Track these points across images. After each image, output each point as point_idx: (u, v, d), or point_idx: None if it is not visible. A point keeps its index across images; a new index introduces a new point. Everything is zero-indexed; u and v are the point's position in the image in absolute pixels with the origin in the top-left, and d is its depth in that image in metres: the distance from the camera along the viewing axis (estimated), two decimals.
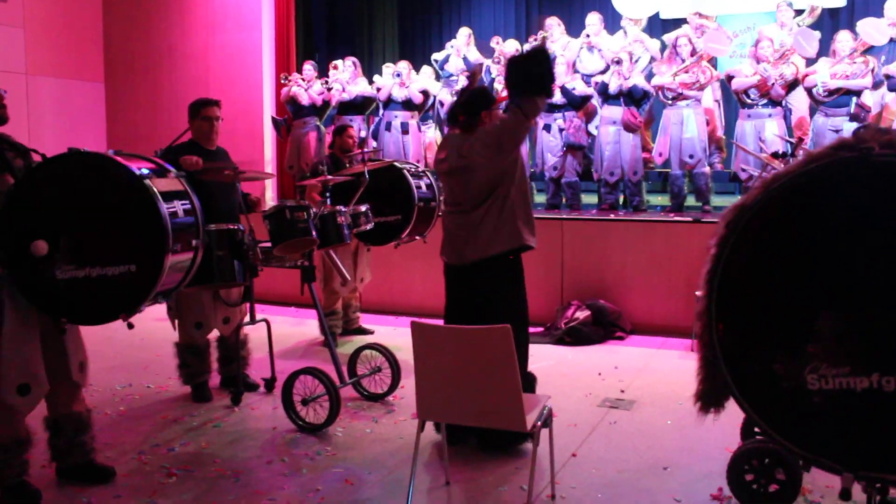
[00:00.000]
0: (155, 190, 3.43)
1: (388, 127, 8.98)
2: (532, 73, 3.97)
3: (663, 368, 5.84)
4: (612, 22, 9.89)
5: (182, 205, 3.65)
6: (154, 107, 9.85)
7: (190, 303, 4.91)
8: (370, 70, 10.62)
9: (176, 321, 5.01)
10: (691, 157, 7.75)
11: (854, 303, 2.79)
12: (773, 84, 7.42)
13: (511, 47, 8.79)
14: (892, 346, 2.75)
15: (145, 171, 3.51)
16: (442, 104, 8.82)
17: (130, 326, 3.52)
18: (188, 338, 5.01)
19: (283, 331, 6.78)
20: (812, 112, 7.74)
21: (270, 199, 9.16)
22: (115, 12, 10.11)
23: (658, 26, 10.92)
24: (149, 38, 9.91)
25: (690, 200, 8.21)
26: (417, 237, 5.96)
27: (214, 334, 5.14)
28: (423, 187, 5.83)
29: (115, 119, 10.20)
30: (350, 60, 9.22)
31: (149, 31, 9.92)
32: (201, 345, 5.06)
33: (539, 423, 3.30)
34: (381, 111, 9.20)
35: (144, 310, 3.51)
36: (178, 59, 9.78)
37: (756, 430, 3.87)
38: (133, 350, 6.14)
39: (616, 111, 7.97)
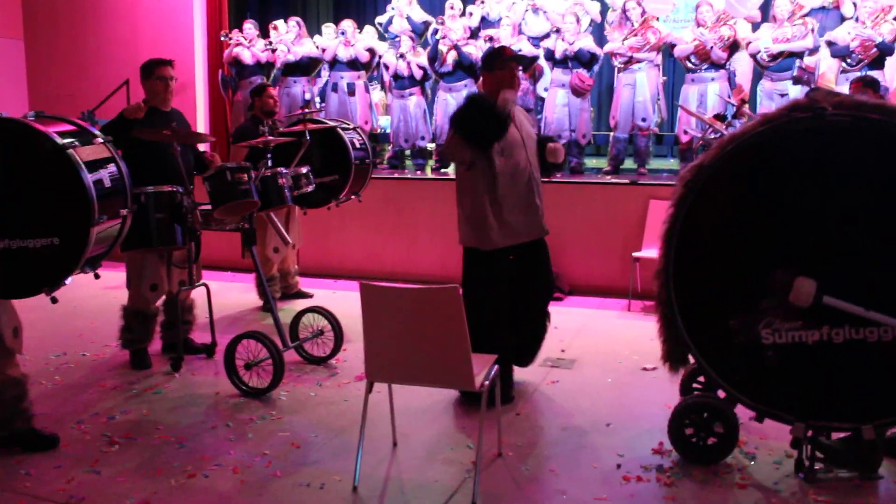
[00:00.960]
0: (78, 159, 3.30)
1: (335, 88, 8.82)
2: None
3: (602, 328, 5.95)
4: None
5: (108, 173, 3.53)
6: (78, 65, 9.46)
7: (144, 265, 4.79)
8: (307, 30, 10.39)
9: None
10: (644, 119, 7.85)
11: (806, 259, 2.89)
12: (711, 48, 7.55)
13: (456, 6, 8.67)
14: (843, 298, 2.85)
15: (68, 139, 3.36)
16: (387, 66, 8.70)
17: (54, 301, 3.42)
18: (139, 301, 4.89)
19: (221, 296, 6.66)
20: (758, 77, 7.91)
21: None
22: None
23: None
24: None
25: (627, 163, 8.32)
26: (353, 196, 5.91)
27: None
28: (357, 145, 5.77)
29: (37, 77, 9.75)
30: (294, 20, 9.01)
31: None
32: (151, 310, 4.95)
33: (487, 382, 3.33)
34: (326, 72, 9.03)
35: (70, 282, 3.40)
36: (103, 16, 9.38)
37: (695, 385, 4.01)
38: (66, 318, 5.96)
39: (565, 75, 7.98)
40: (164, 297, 5.03)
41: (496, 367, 3.49)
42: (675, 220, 3.08)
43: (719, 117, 6.30)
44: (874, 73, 6.85)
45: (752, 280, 2.95)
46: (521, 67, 4.39)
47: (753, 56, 7.60)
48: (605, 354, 5.25)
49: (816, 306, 2.80)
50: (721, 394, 3.89)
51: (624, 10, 8.07)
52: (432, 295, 3.19)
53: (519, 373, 4.78)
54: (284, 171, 4.89)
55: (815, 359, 2.91)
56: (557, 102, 8.05)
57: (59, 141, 3.29)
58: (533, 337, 4.57)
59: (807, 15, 7.53)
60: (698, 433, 3.57)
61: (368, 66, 8.90)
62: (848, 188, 2.86)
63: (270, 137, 4.81)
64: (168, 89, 4.85)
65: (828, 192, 2.87)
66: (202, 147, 5.42)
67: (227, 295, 6.86)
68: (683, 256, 3.08)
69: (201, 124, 9.12)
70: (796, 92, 7.16)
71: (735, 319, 2.99)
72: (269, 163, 4.82)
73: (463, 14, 8.87)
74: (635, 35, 7.86)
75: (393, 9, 9.12)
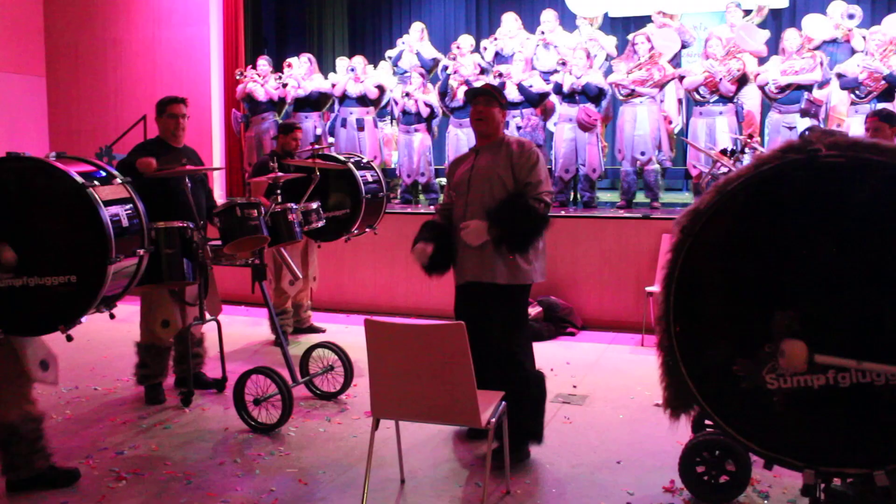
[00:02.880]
0: (97, 197, 3.33)
1: (344, 123, 8.91)
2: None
3: (614, 364, 5.90)
4: (568, 20, 9.96)
5: (126, 211, 3.57)
6: (98, 102, 9.63)
7: (156, 301, 4.82)
8: (321, 66, 10.53)
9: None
10: (642, 153, 7.84)
11: (807, 301, 2.85)
12: (720, 80, 7.56)
13: (466, 43, 8.77)
14: (845, 342, 2.81)
15: (88, 178, 3.40)
16: (396, 102, 8.78)
17: (69, 339, 3.43)
18: (152, 337, 4.91)
19: (233, 330, 6.69)
20: (767, 110, 7.91)
21: (219, 196, 9.03)
22: (57, 4, 9.84)
23: (617, 24, 11.06)
24: (92, 32, 9.67)
25: (640, 196, 8.31)
26: (368, 229, 5.93)
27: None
28: (370, 179, 5.80)
29: (58, 114, 9.93)
30: (306, 56, 9.13)
31: (92, 24, 9.68)
32: (164, 345, 4.97)
33: (493, 419, 3.31)
34: (336, 107, 9.13)
35: (85, 320, 3.42)
36: (122, 53, 9.57)
37: (706, 422, 3.95)
38: (79, 352, 5.98)
39: (572, 109, 8.01)
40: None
41: (503, 403, 3.46)
42: (673, 265, 3.06)
43: (725, 152, 6.29)
44: (884, 105, 6.83)
45: (753, 324, 2.91)
46: (481, 99, 4.07)
47: (762, 88, 7.60)
48: (617, 390, 5.20)
49: (820, 350, 2.76)
50: None
51: (633, 44, 8.11)
52: (438, 331, 3.18)
53: None
54: (294, 206, 4.92)
55: (823, 403, 2.86)
56: (564, 137, 8.06)
57: (79, 180, 3.33)
58: None
59: (817, 48, 7.55)
60: (710, 471, 3.52)
61: (378, 102, 8.98)
62: (844, 229, 2.83)
63: (280, 173, 4.84)
64: (179, 126, 4.92)
65: (824, 232, 2.84)
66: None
67: (239, 329, 6.88)
68: (683, 302, 3.05)
69: (217, 160, 9.22)
70: (804, 124, 7.14)
71: (738, 364, 2.95)
72: (280, 198, 4.85)
73: (476, 50, 8.96)
74: (640, 69, 7.88)
75: (403, 43, 9.22)
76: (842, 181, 2.82)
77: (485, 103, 4.03)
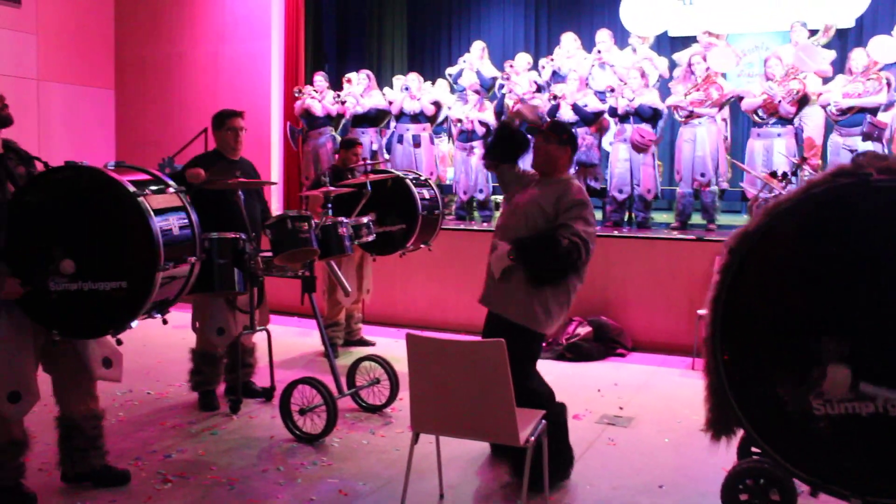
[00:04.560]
0: (147, 206, 3.42)
1: (400, 140, 9.01)
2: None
3: (663, 386, 5.82)
4: (621, 38, 9.93)
5: (178, 220, 3.66)
6: (163, 114, 9.93)
7: (212, 309, 4.93)
8: (380, 82, 10.68)
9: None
10: (703, 175, 7.75)
11: (856, 327, 2.80)
12: (779, 102, 7.43)
13: (522, 61, 8.80)
14: (892, 368, 2.74)
15: (140, 187, 3.50)
16: (454, 120, 8.85)
17: (119, 343, 3.55)
18: (207, 344, 5.03)
19: (284, 340, 6.80)
20: (829, 132, 7.75)
21: (276, 209, 9.20)
22: (126, 20, 10.20)
23: (667, 44, 10.97)
24: (159, 46, 9.99)
25: (695, 219, 8.21)
26: (423, 245, 5.97)
27: None
28: (427, 196, 5.85)
29: (125, 126, 10.27)
30: (364, 73, 9.26)
31: (158, 39, 9.99)
32: (219, 352, 5.08)
33: (532, 437, 3.30)
34: (393, 124, 9.24)
35: (136, 325, 3.52)
36: (187, 67, 9.85)
37: (752, 449, 3.87)
38: (135, 355, 6.14)
39: (628, 129, 7.96)
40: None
41: (543, 422, 3.45)
42: (721, 287, 3.02)
43: (774, 175, 6.17)
44: None
45: (801, 348, 2.86)
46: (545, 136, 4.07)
47: (824, 108, 7.45)
48: (664, 413, 5.13)
49: (869, 377, 2.70)
50: None
51: (689, 64, 8.04)
52: (478, 348, 3.20)
53: (573, 430, 4.67)
54: (345, 220, 4.99)
55: (871, 431, 2.79)
56: (620, 157, 8.01)
57: (131, 188, 3.44)
58: None
59: (882, 69, 7.36)
60: (753, 500, 3.43)
61: (433, 119, 9.05)
62: (894, 255, 2.76)
63: (331, 188, 4.92)
64: (237, 139, 5.03)
65: (875, 258, 2.78)
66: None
67: (291, 339, 6.99)
68: (730, 324, 3.01)
69: (275, 173, 9.40)
70: (867, 147, 6.96)
71: (785, 389, 2.89)
72: (330, 212, 4.93)
73: (534, 68, 8.97)
74: (697, 90, 7.80)
75: (465, 62, 9.29)
76: (893, 205, 2.76)
77: (544, 140, 4.04)
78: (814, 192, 2.90)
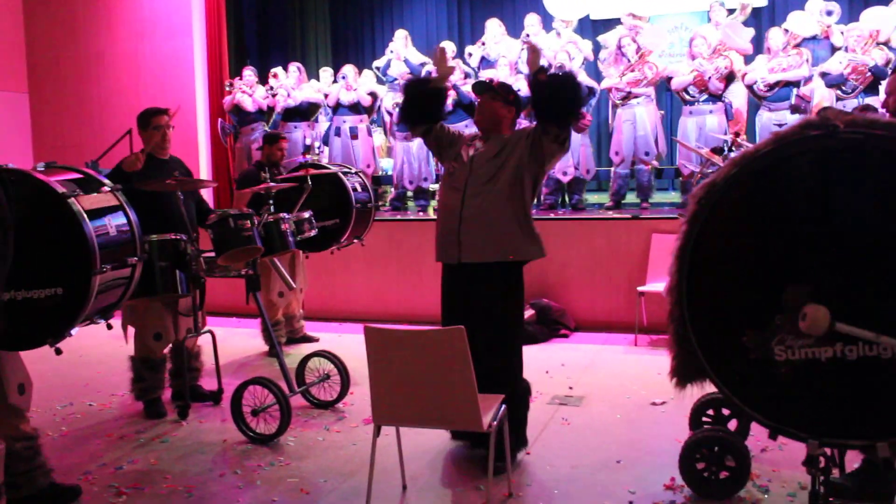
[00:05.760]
0: (79, 209, 3.29)
1: (338, 132, 8.92)
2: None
3: (609, 364, 5.93)
4: (545, 23, 10.01)
5: (115, 221, 3.54)
6: (83, 116, 9.58)
7: (148, 314, 4.80)
8: (307, 76, 10.53)
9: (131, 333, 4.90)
10: (647, 153, 7.92)
11: (819, 275, 2.88)
12: (709, 78, 7.63)
13: (448, 49, 8.79)
14: (855, 316, 2.83)
15: (71, 188, 3.36)
16: (388, 111, 8.79)
17: (58, 352, 3.39)
18: (145, 350, 4.89)
19: (227, 342, 6.67)
20: (755, 108, 7.98)
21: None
22: (38, 19, 9.79)
23: (589, 27, 11.10)
24: (74, 46, 9.62)
25: (629, 198, 8.35)
26: (355, 240, 5.93)
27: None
28: (359, 188, 5.81)
29: (42, 130, 9.87)
30: (295, 66, 9.16)
31: (74, 39, 9.63)
32: (158, 358, 4.94)
33: (495, 423, 3.32)
34: (329, 116, 9.12)
35: (75, 333, 3.39)
36: (106, 66, 9.53)
37: (704, 419, 3.98)
38: (72, 367, 5.96)
39: None
40: (170, 345, 5.03)
41: (503, 406, 3.48)
42: (687, 236, 3.07)
43: (717, 150, 6.34)
44: (870, 99, 6.90)
45: (765, 296, 2.93)
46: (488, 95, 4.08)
47: (750, 87, 7.68)
48: (613, 390, 5.23)
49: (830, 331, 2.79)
50: (731, 426, 3.88)
51: (619, 47, 8.17)
52: (438, 336, 3.20)
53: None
54: (287, 216, 4.92)
55: (829, 376, 2.88)
56: None
57: (60, 189, 3.30)
58: None
59: (799, 45, 7.63)
60: (710, 467, 3.54)
61: (371, 109, 9.00)
62: (859, 205, 2.86)
63: (272, 184, 4.84)
64: (165, 138, 4.90)
65: (839, 209, 2.87)
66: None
67: (233, 341, 6.86)
68: (696, 273, 3.07)
69: (204, 171, 9.19)
70: (794, 121, 7.20)
71: (748, 336, 2.97)
72: (272, 209, 4.85)
73: (460, 55, 8.98)
74: (632, 70, 7.95)
75: (391, 52, 9.24)
76: (859, 157, 2.85)
77: (490, 98, 4.03)
78: (782, 142, 2.96)
